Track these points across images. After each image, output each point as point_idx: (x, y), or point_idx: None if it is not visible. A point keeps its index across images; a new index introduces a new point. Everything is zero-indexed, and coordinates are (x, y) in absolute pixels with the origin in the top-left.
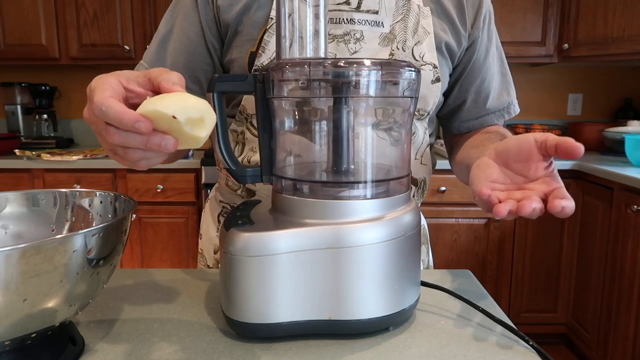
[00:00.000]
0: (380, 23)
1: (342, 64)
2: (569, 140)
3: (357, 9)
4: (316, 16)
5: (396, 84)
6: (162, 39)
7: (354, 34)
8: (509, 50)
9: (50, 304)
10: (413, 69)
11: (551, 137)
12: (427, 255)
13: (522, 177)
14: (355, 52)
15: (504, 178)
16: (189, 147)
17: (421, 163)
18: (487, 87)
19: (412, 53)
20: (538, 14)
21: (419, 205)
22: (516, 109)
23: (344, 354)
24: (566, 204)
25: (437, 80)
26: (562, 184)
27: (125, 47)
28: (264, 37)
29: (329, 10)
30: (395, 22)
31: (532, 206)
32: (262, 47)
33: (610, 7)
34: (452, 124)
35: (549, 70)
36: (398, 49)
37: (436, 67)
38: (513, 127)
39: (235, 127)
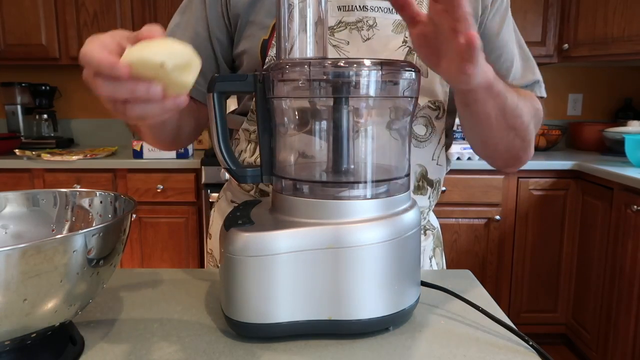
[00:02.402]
0: (393, 10)
1: (342, 64)
2: None
3: None
4: (315, 20)
5: (396, 84)
6: (170, 34)
7: (367, 21)
8: None
9: (50, 304)
10: (413, 69)
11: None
12: (441, 258)
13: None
14: (369, 38)
15: None
16: (177, 94)
17: (437, 164)
18: (505, 64)
19: None
20: (538, 14)
21: (433, 207)
22: (542, 92)
23: (344, 354)
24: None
25: None
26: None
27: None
28: (276, 26)
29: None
30: None
31: None
32: (275, 37)
33: (610, 7)
34: None
35: (549, 70)
36: None
37: None
38: None
39: (247, 126)
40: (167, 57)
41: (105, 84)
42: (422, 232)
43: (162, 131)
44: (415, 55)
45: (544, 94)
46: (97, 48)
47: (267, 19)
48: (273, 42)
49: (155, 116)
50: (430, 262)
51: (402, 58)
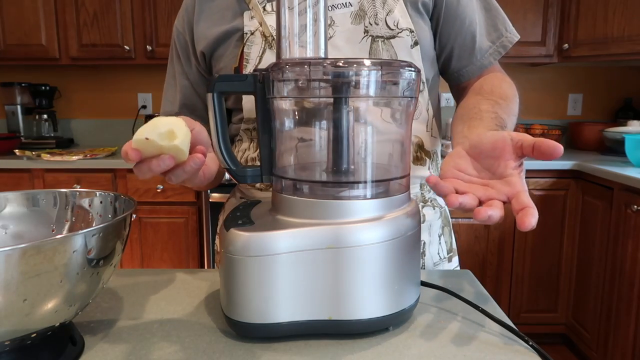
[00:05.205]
0: (347, 3)
1: (341, 64)
2: (548, 141)
3: None
4: (315, 20)
5: (396, 84)
6: (165, 87)
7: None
8: (508, 51)
9: (50, 304)
10: (413, 69)
11: (528, 138)
12: (450, 237)
13: (490, 173)
14: (331, 37)
15: (472, 170)
16: (181, 158)
17: (432, 135)
18: (469, 27)
19: (386, 24)
20: (538, 14)
21: None
22: (512, 38)
23: (344, 354)
24: (533, 220)
25: (416, 44)
26: (525, 188)
27: (125, 47)
28: (244, 49)
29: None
30: None
31: (488, 214)
32: (245, 59)
33: (610, 7)
34: (452, 76)
35: (549, 70)
36: (371, 24)
37: (412, 32)
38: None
39: (246, 126)
40: (149, 132)
41: (135, 169)
42: (431, 207)
43: (212, 183)
44: (380, 42)
45: (514, 39)
46: (125, 145)
47: (235, 50)
48: (244, 63)
49: (190, 179)
50: (440, 240)
51: (367, 49)
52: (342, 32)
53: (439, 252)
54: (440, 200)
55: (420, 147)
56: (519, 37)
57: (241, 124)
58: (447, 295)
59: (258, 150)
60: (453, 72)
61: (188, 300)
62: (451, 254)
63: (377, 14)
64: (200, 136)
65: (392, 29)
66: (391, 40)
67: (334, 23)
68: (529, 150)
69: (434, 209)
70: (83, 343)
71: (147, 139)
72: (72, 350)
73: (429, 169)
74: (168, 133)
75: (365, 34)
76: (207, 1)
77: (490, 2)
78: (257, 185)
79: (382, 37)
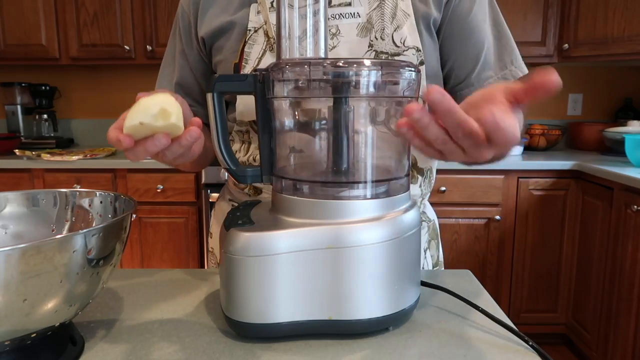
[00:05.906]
0: (355, 14)
1: (341, 64)
2: (539, 78)
3: (329, 4)
4: (316, 30)
5: (396, 84)
6: (163, 65)
7: (330, 30)
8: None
9: (50, 304)
10: (413, 69)
11: (517, 86)
12: (436, 251)
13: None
14: (334, 47)
15: None
16: (176, 134)
17: None
18: (474, 46)
19: (393, 40)
20: (538, 14)
21: (427, 196)
22: (516, 73)
23: (344, 354)
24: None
25: (421, 63)
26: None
27: (125, 47)
28: (245, 49)
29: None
30: (371, 10)
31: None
32: (244, 59)
33: (610, 7)
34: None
35: None
36: (377, 38)
37: (419, 50)
38: None
39: (239, 128)
40: (142, 116)
41: (129, 154)
42: None
43: (198, 160)
44: (384, 58)
45: (520, 74)
46: (111, 130)
47: (236, 44)
48: (243, 63)
49: (185, 154)
50: (425, 254)
51: None
52: (346, 43)
53: (424, 266)
54: (429, 214)
55: (413, 164)
56: (527, 71)
57: (234, 123)
58: (447, 295)
59: (250, 154)
60: (450, 92)
61: (188, 300)
62: (437, 267)
63: (384, 29)
64: (185, 109)
65: (398, 47)
66: (395, 57)
67: (339, 33)
68: (522, 95)
69: (421, 223)
70: (83, 343)
71: (141, 123)
72: (72, 350)
73: (420, 186)
74: (161, 112)
75: (370, 48)
76: None
77: (502, 32)
78: (246, 190)
79: (386, 53)
